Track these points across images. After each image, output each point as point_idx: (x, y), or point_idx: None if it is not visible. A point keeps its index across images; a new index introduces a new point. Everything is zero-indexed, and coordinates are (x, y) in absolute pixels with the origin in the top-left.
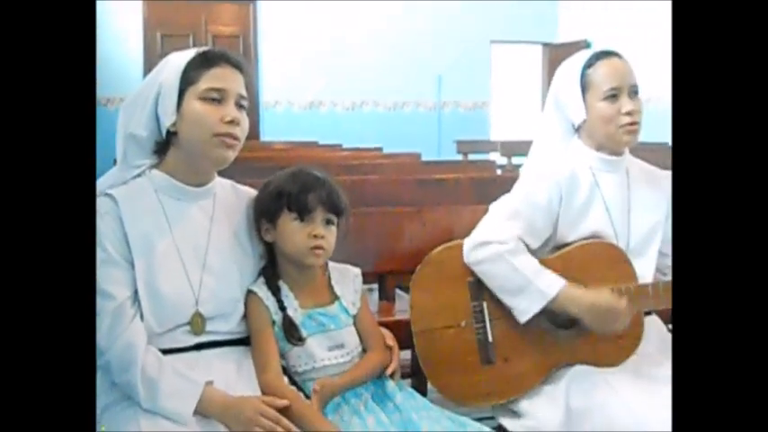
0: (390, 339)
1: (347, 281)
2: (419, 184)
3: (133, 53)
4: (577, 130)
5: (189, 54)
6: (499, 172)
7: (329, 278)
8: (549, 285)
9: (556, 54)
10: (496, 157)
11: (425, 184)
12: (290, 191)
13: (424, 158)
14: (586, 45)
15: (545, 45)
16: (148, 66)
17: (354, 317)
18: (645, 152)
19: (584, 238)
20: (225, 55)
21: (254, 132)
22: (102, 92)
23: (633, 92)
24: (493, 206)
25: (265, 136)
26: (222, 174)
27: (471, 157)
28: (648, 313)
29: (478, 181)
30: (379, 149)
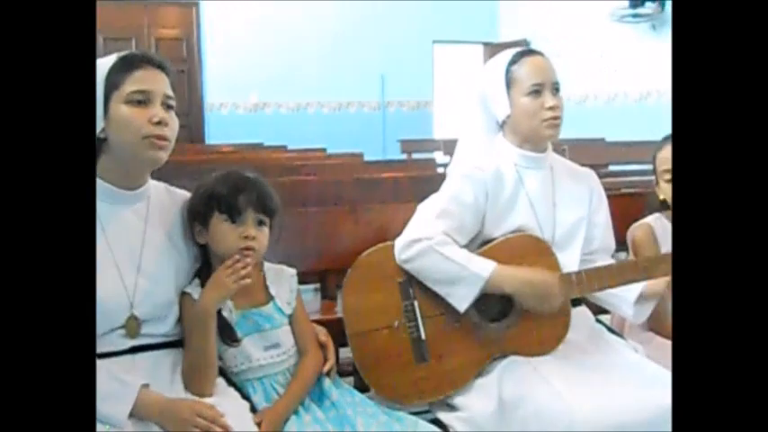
0: (324, 335)
1: (282, 281)
2: (358, 183)
3: None
4: (502, 126)
5: (111, 59)
6: (441, 170)
7: (264, 278)
8: (482, 268)
9: (496, 53)
10: (440, 156)
11: (364, 183)
12: (220, 193)
13: (367, 158)
14: (526, 44)
15: (486, 45)
16: None
17: (290, 317)
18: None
19: (509, 232)
20: (147, 56)
21: (199, 135)
22: None
23: (555, 88)
24: (421, 206)
25: (211, 138)
26: (166, 177)
27: (415, 155)
28: (578, 303)
29: (417, 179)
30: (323, 150)
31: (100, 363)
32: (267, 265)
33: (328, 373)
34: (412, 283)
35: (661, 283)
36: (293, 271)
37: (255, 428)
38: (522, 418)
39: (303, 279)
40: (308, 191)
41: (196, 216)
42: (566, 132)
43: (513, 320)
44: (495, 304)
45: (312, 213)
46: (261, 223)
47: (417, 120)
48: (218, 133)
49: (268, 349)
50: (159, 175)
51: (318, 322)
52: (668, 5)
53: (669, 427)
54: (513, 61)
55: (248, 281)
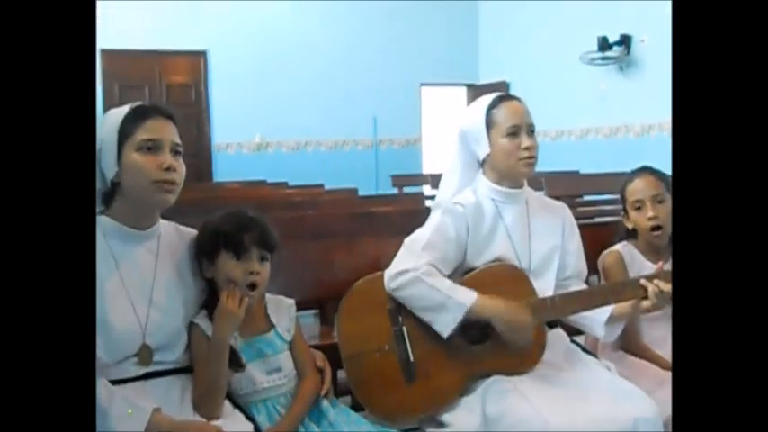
0: (321, 360)
1: (282, 310)
2: (352, 217)
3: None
4: (482, 164)
5: (123, 110)
6: (429, 202)
7: (266, 308)
8: (464, 297)
9: (478, 94)
10: (428, 189)
11: (358, 218)
12: (226, 231)
13: (361, 193)
14: (505, 86)
15: (468, 86)
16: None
17: (289, 343)
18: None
19: (489, 262)
20: (156, 107)
21: (207, 173)
22: None
23: (530, 130)
24: (408, 239)
25: (218, 177)
26: (177, 214)
27: (406, 189)
28: (554, 325)
29: (406, 213)
30: (321, 186)
31: (115, 388)
32: (268, 296)
33: (326, 395)
34: (400, 310)
35: (629, 306)
36: (292, 301)
37: None
38: (503, 430)
39: (303, 306)
40: (306, 225)
41: (203, 253)
42: (543, 165)
43: (493, 342)
44: (476, 327)
45: (310, 246)
46: (263, 259)
47: (407, 156)
48: (224, 171)
49: (270, 373)
50: (171, 210)
51: (318, 347)
52: (633, 48)
53: None
54: (493, 105)
55: (251, 302)
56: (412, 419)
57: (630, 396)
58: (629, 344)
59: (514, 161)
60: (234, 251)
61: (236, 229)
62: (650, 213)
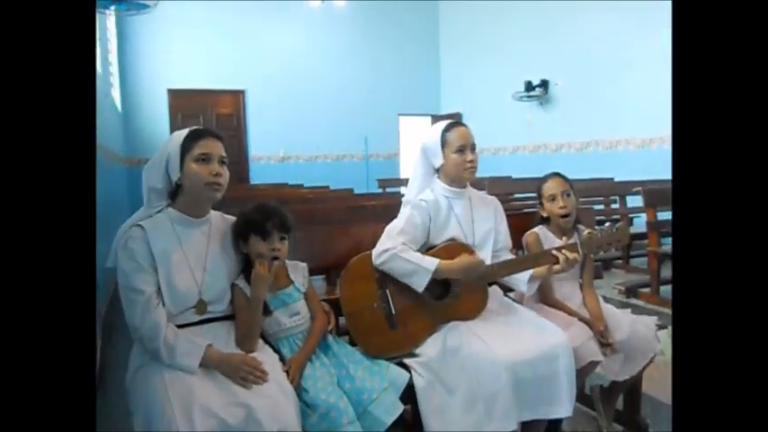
0: (327, 307)
1: (298, 271)
2: (349, 210)
3: (162, 128)
4: (437, 171)
5: (184, 132)
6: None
7: (286, 270)
8: (430, 263)
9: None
10: (404, 189)
11: (354, 210)
12: (254, 219)
13: (356, 192)
14: (459, 116)
15: (432, 116)
16: None
17: (304, 294)
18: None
19: (446, 241)
20: (208, 130)
21: (246, 177)
22: (141, 154)
23: (473, 148)
24: (388, 227)
25: (254, 180)
26: (223, 206)
27: (389, 189)
28: (492, 285)
29: (388, 206)
30: (327, 187)
31: (179, 330)
32: (287, 261)
33: (331, 331)
34: (385, 278)
35: (543, 270)
36: (305, 264)
37: (283, 374)
38: (460, 359)
39: (314, 272)
40: (316, 215)
41: (239, 236)
42: (485, 172)
43: (451, 298)
44: (439, 288)
45: (319, 229)
46: (282, 238)
47: (389, 166)
48: (258, 176)
49: (292, 316)
50: (219, 203)
51: (325, 300)
52: (550, 89)
53: (561, 359)
54: (447, 129)
55: (276, 268)
56: (395, 354)
57: (549, 329)
58: (545, 298)
59: (461, 170)
60: (260, 234)
61: (261, 218)
62: (561, 204)
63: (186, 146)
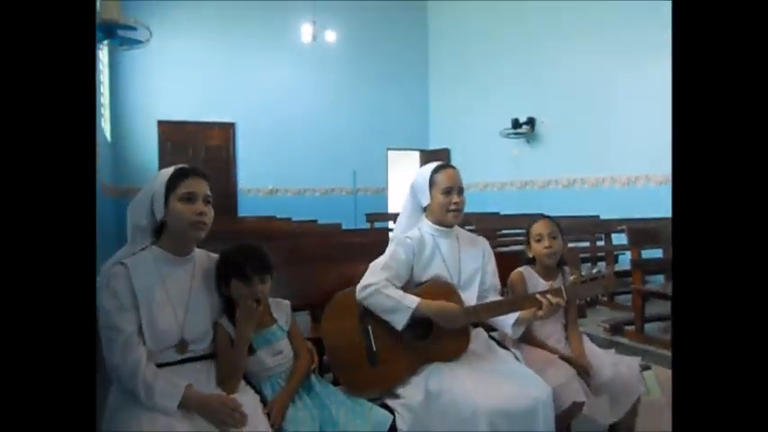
0: (310, 345)
1: (281, 309)
2: (336, 246)
3: (151, 157)
4: (424, 210)
5: (170, 170)
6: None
7: (269, 308)
8: (411, 301)
9: (427, 157)
10: (392, 224)
11: (340, 246)
12: (234, 263)
13: (344, 227)
14: (448, 151)
15: (421, 151)
16: (162, 165)
17: (288, 332)
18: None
19: (430, 279)
20: (194, 169)
21: (234, 210)
22: (129, 183)
23: (460, 191)
24: (372, 263)
25: (241, 212)
26: (212, 240)
27: (376, 224)
28: (476, 326)
29: (375, 243)
30: (315, 221)
31: (158, 370)
32: (270, 299)
33: (314, 371)
34: (367, 313)
35: (529, 314)
36: (287, 301)
37: (264, 417)
38: (442, 404)
39: (299, 307)
40: (303, 250)
41: (221, 278)
42: (473, 208)
43: (433, 338)
44: (421, 327)
45: (306, 265)
46: (263, 280)
47: (377, 200)
48: (246, 209)
49: (275, 356)
50: (208, 237)
51: (309, 339)
52: (537, 127)
53: (540, 413)
54: (436, 170)
55: (260, 309)
56: (375, 392)
57: (532, 381)
58: (527, 337)
59: (445, 212)
60: (241, 279)
61: (242, 260)
62: (546, 243)
63: (171, 184)
